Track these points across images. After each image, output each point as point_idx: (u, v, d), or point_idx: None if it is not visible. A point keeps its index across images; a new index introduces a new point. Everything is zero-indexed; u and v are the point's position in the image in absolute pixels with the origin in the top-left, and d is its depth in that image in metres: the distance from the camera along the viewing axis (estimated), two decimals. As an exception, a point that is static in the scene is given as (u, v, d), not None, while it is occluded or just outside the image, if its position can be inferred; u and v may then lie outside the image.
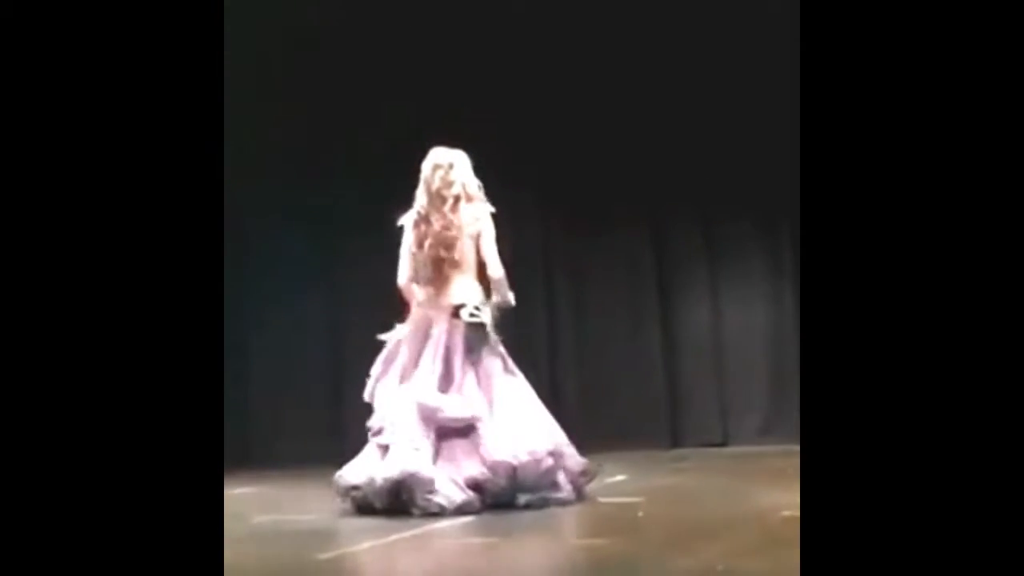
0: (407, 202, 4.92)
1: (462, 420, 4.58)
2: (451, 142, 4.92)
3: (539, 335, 5.15)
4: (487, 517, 4.37)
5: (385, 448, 4.57)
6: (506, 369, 4.78)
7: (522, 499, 4.49)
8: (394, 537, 3.91)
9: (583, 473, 4.71)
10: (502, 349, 4.81)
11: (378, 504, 4.43)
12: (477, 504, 4.43)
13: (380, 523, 4.26)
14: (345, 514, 4.54)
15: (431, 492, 4.40)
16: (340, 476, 4.64)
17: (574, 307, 6.98)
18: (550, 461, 4.55)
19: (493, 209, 4.86)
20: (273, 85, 7.22)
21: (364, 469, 4.59)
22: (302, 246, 7.53)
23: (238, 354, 7.29)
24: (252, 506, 4.94)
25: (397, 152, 6.55)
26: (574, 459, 4.68)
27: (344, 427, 7.44)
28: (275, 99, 7.26)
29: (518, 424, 4.60)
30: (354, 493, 4.55)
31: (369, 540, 3.78)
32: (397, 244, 4.93)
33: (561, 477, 4.60)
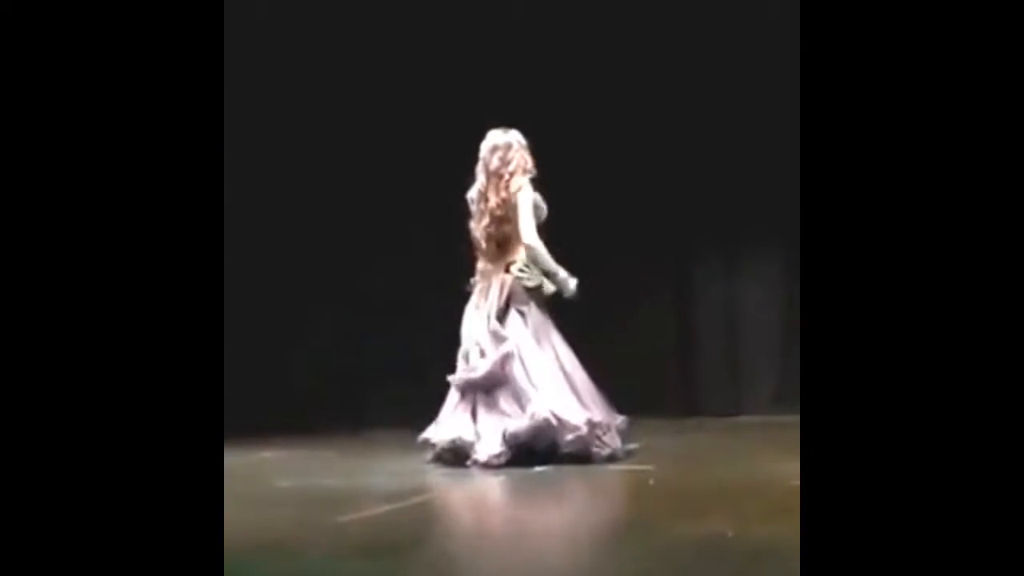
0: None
1: (491, 377, 4.84)
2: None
3: (555, 304, 5.24)
4: (503, 481, 4.46)
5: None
6: (551, 332, 5.00)
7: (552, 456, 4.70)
8: (413, 501, 4.00)
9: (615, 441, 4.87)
10: (548, 320, 5.04)
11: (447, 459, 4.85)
12: (508, 457, 4.68)
13: (402, 486, 4.35)
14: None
15: (474, 452, 4.75)
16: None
17: (590, 276, 7.04)
18: (583, 430, 4.70)
19: (528, 176, 5.07)
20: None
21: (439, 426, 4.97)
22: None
23: (270, 319, 7.40)
24: (276, 470, 5.03)
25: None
26: (608, 431, 4.83)
27: (367, 391, 7.55)
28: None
29: (555, 387, 4.82)
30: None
31: (388, 504, 3.86)
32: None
33: (591, 446, 4.74)
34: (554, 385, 4.83)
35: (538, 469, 4.66)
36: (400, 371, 7.36)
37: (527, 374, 4.84)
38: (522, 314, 4.98)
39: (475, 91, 7.14)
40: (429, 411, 5.15)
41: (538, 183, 5.18)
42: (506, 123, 5.30)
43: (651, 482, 4.29)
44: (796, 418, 7.18)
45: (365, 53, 7.41)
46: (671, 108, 7.25)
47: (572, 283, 5.08)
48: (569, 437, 4.67)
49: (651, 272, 7.49)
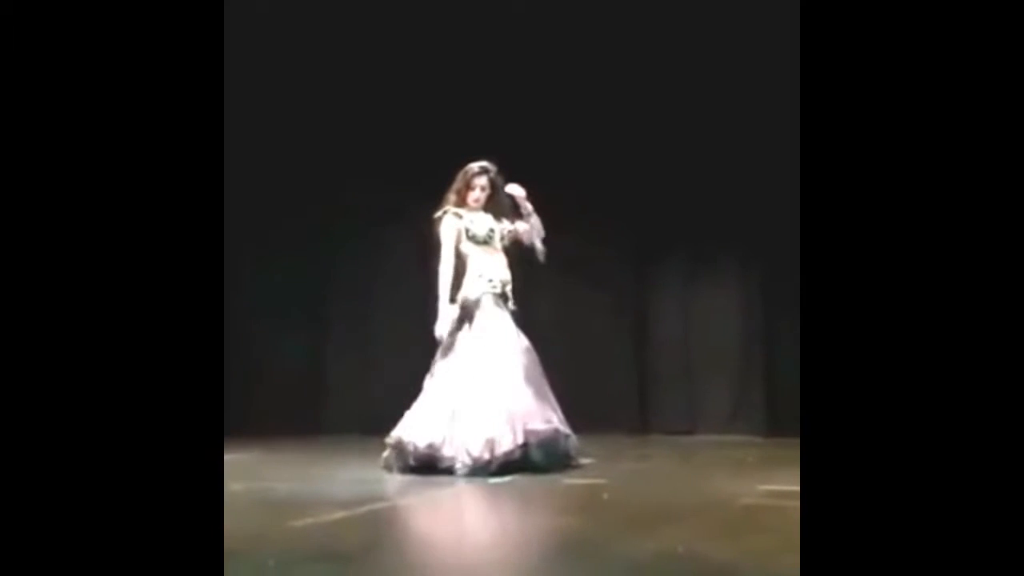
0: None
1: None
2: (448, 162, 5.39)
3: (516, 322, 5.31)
4: (459, 491, 4.48)
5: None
6: (493, 341, 5.12)
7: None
8: (367, 508, 4.01)
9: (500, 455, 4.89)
10: (496, 327, 5.16)
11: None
12: (398, 462, 4.95)
13: (357, 492, 4.36)
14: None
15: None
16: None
17: (550, 296, 7.08)
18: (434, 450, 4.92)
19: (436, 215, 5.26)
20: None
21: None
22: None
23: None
24: (229, 473, 4.99)
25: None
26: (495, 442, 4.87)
27: (324, 393, 7.55)
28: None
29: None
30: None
31: (341, 510, 3.87)
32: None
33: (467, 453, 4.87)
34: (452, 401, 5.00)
35: (493, 481, 4.68)
36: (360, 376, 7.38)
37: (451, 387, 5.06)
38: (471, 328, 5.16)
39: (454, 91, 7.20)
40: (390, 416, 5.18)
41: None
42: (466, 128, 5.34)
43: (605, 496, 4.32)
44: (746, 439, 7.30)
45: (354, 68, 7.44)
46: (631, 123, 7.31)
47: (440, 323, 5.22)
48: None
49: (608, 289, 7.55)
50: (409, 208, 5.62)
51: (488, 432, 4.85)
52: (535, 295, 5.70)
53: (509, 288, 5.30)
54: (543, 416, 5.03)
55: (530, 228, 5.39)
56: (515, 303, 5.29)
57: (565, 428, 5.12)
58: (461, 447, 4.86)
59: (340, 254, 7.65)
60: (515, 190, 5.35)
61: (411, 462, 4.94)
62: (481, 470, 4.78)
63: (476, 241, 5.26)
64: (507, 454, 4.83)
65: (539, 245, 5.41)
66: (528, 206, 5.38)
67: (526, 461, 4.86)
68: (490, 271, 5.26)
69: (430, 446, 4.92)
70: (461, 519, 4.22)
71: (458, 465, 4.84)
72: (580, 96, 7.32)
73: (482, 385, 4.99)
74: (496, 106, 7.27)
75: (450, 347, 5.15)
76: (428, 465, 4.89)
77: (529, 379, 5.10)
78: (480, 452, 4.82)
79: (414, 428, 4.99)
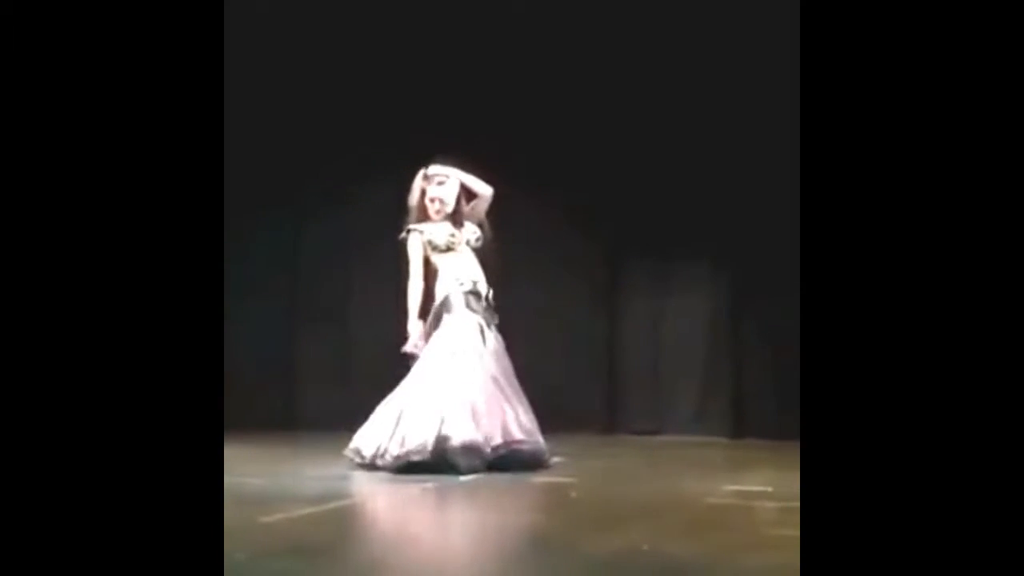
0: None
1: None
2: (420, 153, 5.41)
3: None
4: (428, 489, 4.50)
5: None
6: (462, 348, 5.13)
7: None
8: (334, 505, 4.03)
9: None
10: (459, 331, 5.17)
11: None
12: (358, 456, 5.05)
13: (325, 489, 4.37)
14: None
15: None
16: None
17: (519, 295, 7.12)
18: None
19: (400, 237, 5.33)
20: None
21: None
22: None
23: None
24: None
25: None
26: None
27: (297, 388, 7.56)
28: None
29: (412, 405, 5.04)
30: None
31: (311, 506, 3.89)
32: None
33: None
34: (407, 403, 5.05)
35: (463, 479, 4.72)
36: (334, 372, 7.38)
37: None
38: (436, 333, 5.21)
39: (436, 85, 7.22)
40: (364, 412, 5.20)
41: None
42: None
43: (573, 495, 4.36)
44: (712, 439, 7.35)
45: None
46: (606, 124, 7.35)
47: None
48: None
49: (577, 289, 7.59)
50: (389, 199, 5.63)
51: (403, 431, 4.94)
52: (504, 293, 5.72)
53: (480, 284, 5.32)
54: (472, 425, 4.95)
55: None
56: (495, 305, 5.31)
57: (503, 438, 5.00)
58: (391, 445, 4.96)
59: (316, 245, 7.65)
60: (431, 171, 5.37)
61: (358, 462, 5.03)
62: (392, 467, 4.88)
63: (439, 251, 5.32)
64: (410, 452, 4.89)
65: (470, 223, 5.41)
66: (452, 173, 5.37)
67: (443, 464, 4.86)
68: (457, 272, 5.31)
69: (373, 449, 5.00)
70: (429, 516, 4.25)
71: (381, 460, 4.95)
72: (556, 94, 7.34)
73: (420, 389, 5.05)
74: (475, 100, 7.28)
75: (419, 352, 5.20)
76: (369, 466, 4.99)
77: (483, 383, 5.07)
78: (395, 448, 4.92)
79: (364, 432, 5.10)
